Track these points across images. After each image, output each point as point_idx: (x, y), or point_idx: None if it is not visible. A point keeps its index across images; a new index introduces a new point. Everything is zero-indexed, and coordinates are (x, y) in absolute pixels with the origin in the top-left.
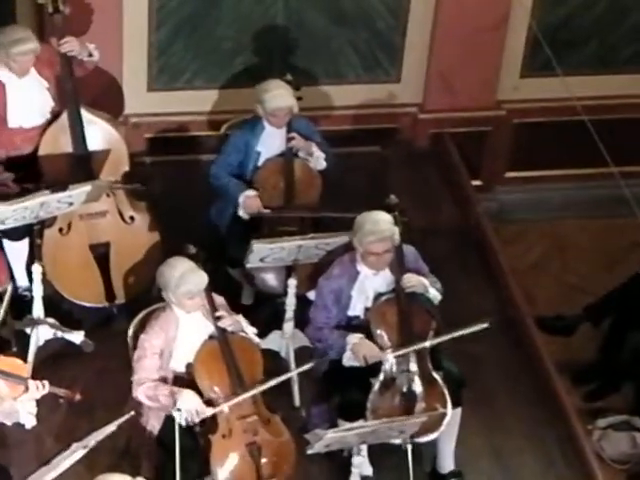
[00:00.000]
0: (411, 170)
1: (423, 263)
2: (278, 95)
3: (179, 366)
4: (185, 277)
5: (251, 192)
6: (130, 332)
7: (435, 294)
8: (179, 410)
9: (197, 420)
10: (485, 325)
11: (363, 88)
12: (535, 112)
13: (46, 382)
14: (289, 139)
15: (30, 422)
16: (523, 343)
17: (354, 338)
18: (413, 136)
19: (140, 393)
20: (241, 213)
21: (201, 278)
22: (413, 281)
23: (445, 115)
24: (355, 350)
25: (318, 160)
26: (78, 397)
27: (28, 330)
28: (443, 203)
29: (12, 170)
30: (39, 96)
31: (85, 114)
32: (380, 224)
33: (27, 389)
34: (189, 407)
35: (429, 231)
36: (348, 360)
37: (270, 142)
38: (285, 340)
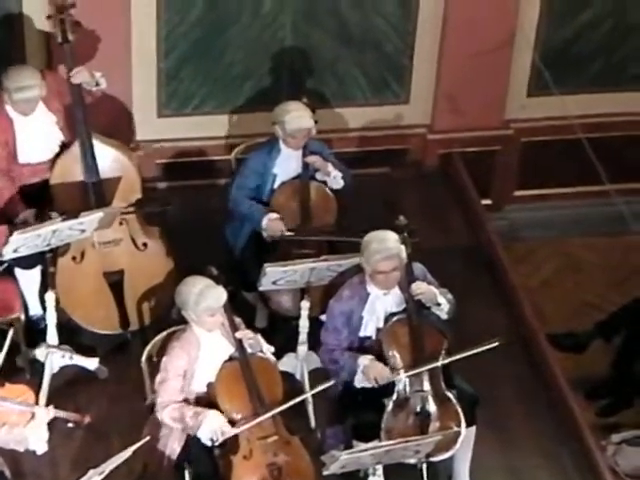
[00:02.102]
0: (421, 190)
1: (432, 278)
2: (299, 116)
3: (201, 386)
4: (204, 293)
5: (274, 215)
6: (144, 357)
7: (445, 303)
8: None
9: (221, 439)
10: (496, 343)
11: (372, 110)
12: (543, 130)
13: (51, 407)
14: (305, 162)
15: (41, 448)
16: (535, 360)
17: (365, 360)
18: (422, 157)
19: (165, 415)
20: (265, 235)
21: (220, 293)
22: (422, 288)
23: (454, 135)
24: (366, 372)
25: (336, 179)
26: (87, 420)
27: (42, 358)
28: (453, 222)
29: (24, 201)
30: (48, 131)
31: (96, 142)
32: (386, 242)
33: (34, 415)
34: (214, 427)
35: (439, 251)
36: (360, 382)
37: (286, 165)
38: (299, 362)
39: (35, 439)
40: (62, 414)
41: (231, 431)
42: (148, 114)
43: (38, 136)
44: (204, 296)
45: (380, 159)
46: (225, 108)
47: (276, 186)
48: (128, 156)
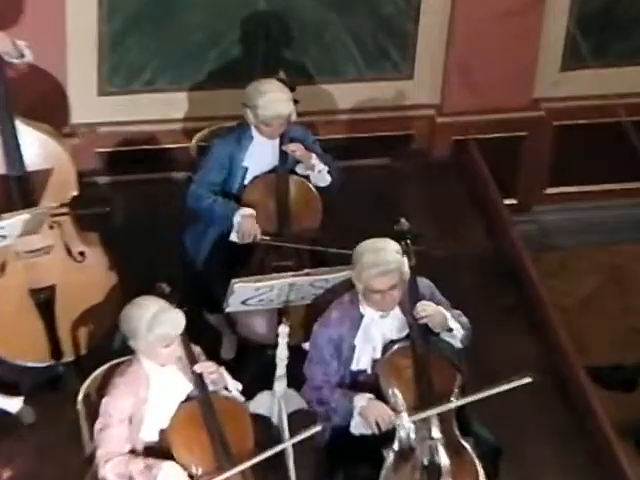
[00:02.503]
0: (428, 187)
1: (442, 297)
2: (276, 100)
3: (152, 434)
4: (159, 318)
5: (248, 210)
6: (80, 395)
7: (458, 328)
8: None
9: None
10: (526, 380)
11: (367, 87)
12: (580, 112)
13: None
14: (283, 152)
15: None
16: (573, 400)
17: (362, 399)
18: (430, 145)
19: (108, 471)
20: (234, 237)
21: (178, 318)
22: (429, 309)
23: (469, 118)
24: (364, 414)
25: (321, 174)
26: (7, 475)
27: None
28: (469, 227)
29: None
30: None
31: (21, 127)
32: (384, 253)
33: None
34: None
35: (452, 263)
36: (356, 427)
37: (260, 156)
38: (276, 402)
39: None
40: None
41: None
42: (86, 91)
43: None
44: (158, 322)
45: (377, 148)
46: (183, 84)
47: (247, 182)
48: (61, 144)
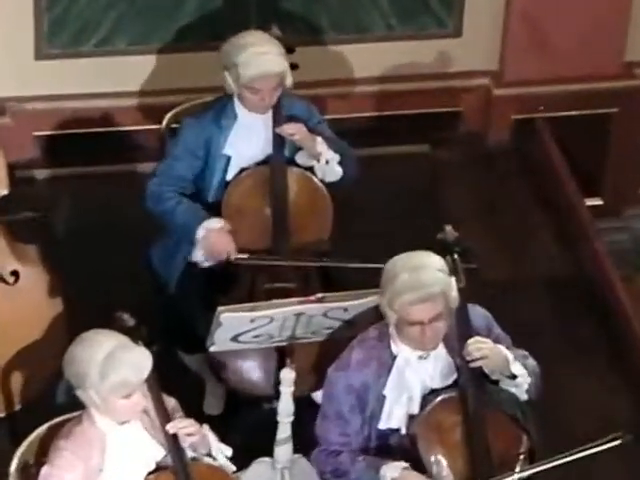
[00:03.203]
0: (482, 182)
1: (502, 332)
2: (261, 53)
3: None
4: (115, 358)
5: (216, 223)
6: (13, 466)
7: (524, 374)
8: None
9: None
10: (616, 442)
11: (398, 48)
12: None
13: None
14: (278, 135)
15: None
16: None
17: (392, 469)
18: (484, 126)
19: None
20: (198, 258)
21: (141, 357)
22: (485, 349)
23: (536, 90)
24: None
25: (329, 166)
26: None
27: None
28: (536, 236)
29: None
30: None
31: None
32: (424, 272)
33: None
34: None
35: (513, 283)
36: None
37: (246, 141)
38: (278, 473)
39: None
40: None
41: None
42: (20, 55)
43: None
44: (114, 364)
45: (414, 131)
46: (149, 44)
47: (230, 176)
48: None
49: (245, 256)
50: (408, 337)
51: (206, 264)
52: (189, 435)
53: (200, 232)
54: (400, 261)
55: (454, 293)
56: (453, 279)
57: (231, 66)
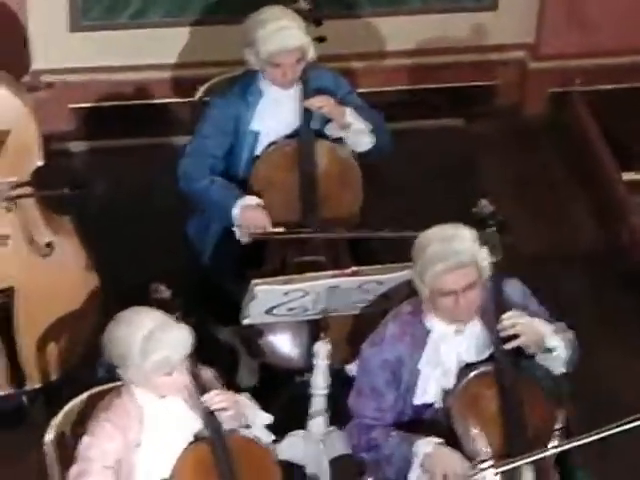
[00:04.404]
0: (518, 156)
1: (538, 305)
2: (280, 28)
3: None
4: (157, 338)
5: (252, 200)
6: (50, 435)
7: (562, 347)
8: None
9: None
10: None
11: (432, 21)
12: None
13: None
14: (306, 109)
15: None
16: None
17: (427, 445)
18: (520, 99)
19: None
20: (239, 235)
21: (183, 335)
22: (521, 323)
23: (574, 63)
24: (429, 465)
25: (359, 137)
26: None
27: None
28: (573, 211)
29: None
30: None
31: None
32: (456, 242)
33: None
34: None
35: (550, 258)
36: None
37: (274, 115)
38: (312, 446)
39: None
40: None
41: None
42: (55, 27)
43: None
44: (155, 344)
45: (448, 104)
46: (184, 17)
47: (259, 151)
48: (21, 98)
49: (280, 230)
50: (442, 309)
51: (244, 240)
52: (226, 406)
53: (236, 210)
54: (431, 233)
55: (486, 263)
56: (485, 249)
57: (252, 42)
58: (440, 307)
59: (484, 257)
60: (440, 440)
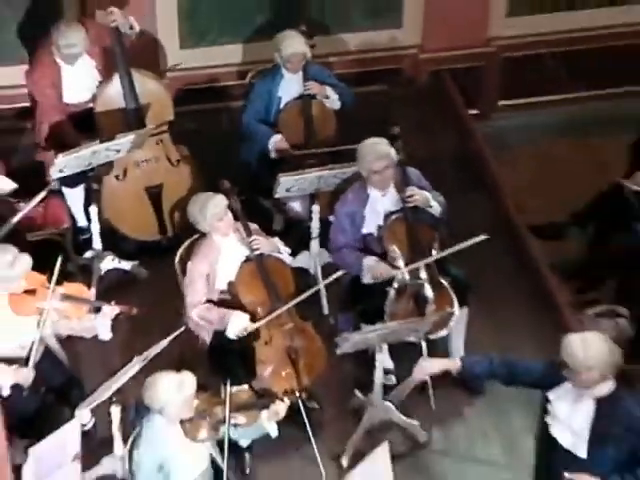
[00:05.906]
0: (415, 105)
1: (426, 182)
2: (292, 43)
3: (223, 285)
4: (205, 204)
5: (278, 137)
6: (176, 259)
7: (436, 206)
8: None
9: (245, 334)
10: (485, 237)
11: (368, 34)
12: (523, 47)
13: (113, 303)
14: (306, 85)
15: (107, 336)
16: (519, 248)
17: (370, 260)
18: (415, 75)
19: (194, 314)
20: (273, 155)
21: (218, 200)
22: (417, 192)
23: (442, 54)
24: (371, 271)
25: (333, 102)
26: (135, 311)
27: (93, 262)
28: (445, 132)
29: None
30: (89, 75)
31: (134, 74)
32: (377, 144)
33: (96, 309)
34: (239, 327)
35: (433, 157)
36: (366, 279)
37: (289, 87)
38: (312, 258)
39: (102, 329)
40: (117, 308)
41: (253, 327)
42: (172, 46)
43: (80, 79)
44: (205, 207)
45: (377, 78)
46: (239, 38)
47: (282, 107)
48: (161, 84)
49: (295, 151)
50: (374, 182)
51: (273, 155)
52: (257, 243)
53: (270, 144)
54: (365, 142)
55: (393, 155)
56: (392, 149)
57: (278, 49)
58: (373, 181)
59: (393, 152)
60: (377, 258)
